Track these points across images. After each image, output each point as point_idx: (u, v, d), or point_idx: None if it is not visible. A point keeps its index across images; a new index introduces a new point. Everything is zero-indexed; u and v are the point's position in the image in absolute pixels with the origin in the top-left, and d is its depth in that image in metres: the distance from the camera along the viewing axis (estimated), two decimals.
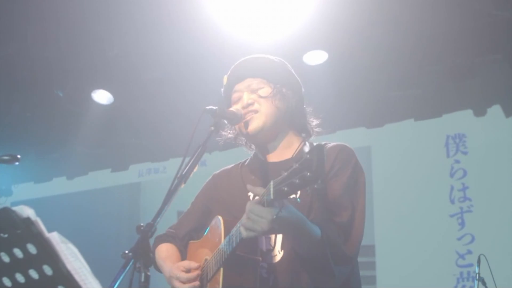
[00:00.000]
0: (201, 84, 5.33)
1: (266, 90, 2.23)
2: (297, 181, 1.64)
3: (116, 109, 6.21)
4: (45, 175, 7.50)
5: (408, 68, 5.37)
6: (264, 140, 2.28)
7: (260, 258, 2.04)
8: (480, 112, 5.44)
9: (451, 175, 5.44)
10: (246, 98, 2.22)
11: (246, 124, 2.21)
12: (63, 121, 6.43)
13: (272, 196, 1.71)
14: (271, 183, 1.71)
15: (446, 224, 5.34)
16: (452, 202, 5.38)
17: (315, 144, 2.14)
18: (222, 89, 2.38)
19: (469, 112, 5.47)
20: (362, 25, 4.87)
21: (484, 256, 3.85)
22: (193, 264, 2.19)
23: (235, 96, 2.28)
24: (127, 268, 1.60)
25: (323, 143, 2.28)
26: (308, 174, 1.62)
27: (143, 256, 1.63)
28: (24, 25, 5.04)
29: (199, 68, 5.32)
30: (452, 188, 5.42)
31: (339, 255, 1.97)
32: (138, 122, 6.44)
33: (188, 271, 2.17)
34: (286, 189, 1.67)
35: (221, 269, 2.02)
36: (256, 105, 2.21)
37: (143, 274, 1.60)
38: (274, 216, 1.74)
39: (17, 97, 6.01)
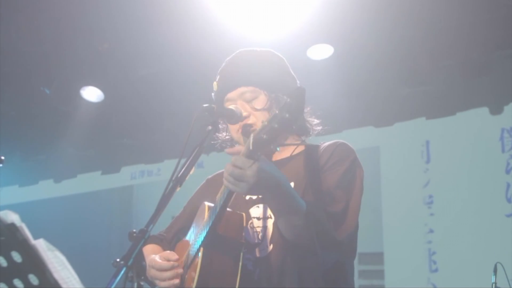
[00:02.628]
0: (198, 80, 5.33)
1: (260, 101, 2.23)
2: (276, 125, 1.68)
3: (107, 107, 6.21)
4: (31, 178, 7.50)
5: (419, 63, 5.36)
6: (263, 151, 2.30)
7: (244, 241, 2.07)
8: (496, 110, 5.44)
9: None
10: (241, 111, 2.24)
11: (245, 138, 2.22)
12: (50, 120, 6.43)
13: (251, 147, 1.74)
14: (251, 135, 1.75)
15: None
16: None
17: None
18: (212, 94, 2.38)
19: (485, 110, 5.47)
20: (370, 17, 4.87)
21: (501, 264, 3.85)
22: (172, 255, 2.19)
23: (227, 104, 2.29)
24: (119, 277, 1.60)
25: (321, 142, 2.31)
26: (287, 115, 1.67)
27: (135, 264, 1.63)
28: (7, 17, 5.04)
29: (195, 63, 5.32)
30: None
31: (327, 237, 1.99)
32: (130, 121, 6.44)
33: (167, 260, 2.17)
34: (265, 136, 1.71)
35: (201, 250, 2.04)
36: (252, 118, 2.22)
37: (135, 284, 1.60)
38: (256, 165, 1.77)
39: (1, 94, 6.02)
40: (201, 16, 4.88)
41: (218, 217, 1.99)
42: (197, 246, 2.09)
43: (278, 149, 1.75)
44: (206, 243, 2.03)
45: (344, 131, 5.64)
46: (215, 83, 2.35)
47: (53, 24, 5.15)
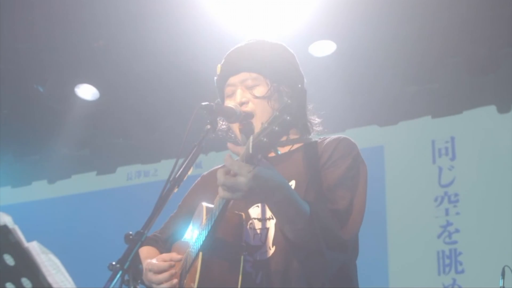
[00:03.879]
0: (196, 78, 5.32)
1: (261, 89, 2.24)
2: (276, 128, 1.66)
3: (102, 106, 6.20)
4: (24, 178, 7.50)
5: (425, 60, 5.36)
6: None
7: (244, 244, 2.06)
8: (504, 108, 5.44)
9: None
10: (240, 96, 2.24)
11: (242, 129, 2.23)
12: (44, 119, 6.43)
13: (250, 150, 1.72)
14: (251, 137, 1.73)
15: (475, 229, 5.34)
16: None
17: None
18: (215, 78, 2.39)
19: (492, 108, 5.47)
20: (374, 13, 4.87)
21: (509, 267, 3.85)
22: (175, 255, 2.20)
23: (228, 89, 2.31)
24: (115, 281, 1.60)
25: (322, 137, 2.32)
26: (288, 118, 1.65)
27: (132, 268, 1.63)
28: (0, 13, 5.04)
29: (194, 61, 5.32)
30: None
31: (333, 238, 1.98)
32: (126, 120, 6.43)
33: (164, 261, 2.17)
34: (265, 139, 1.68)
35: (200, 254, 2.04)
36: (250, 105, 2.23)
37: None
38: (252, 172, 1.75)
39: None
40: (199, 12, 4.88)
41: (217, 221, 1.99)
42: (195, 249, 2.09)
43: (279, 152, 1.73)
44: (205, 247, 2.02)
45: (347, 130, 5.63)
46: (219, 66, 2.36)
47: (47, 19, 5.15)
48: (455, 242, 5.44)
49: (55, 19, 5.14)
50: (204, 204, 2.18)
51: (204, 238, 2.02)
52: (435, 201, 5.56)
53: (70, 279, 1.50)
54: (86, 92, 6.01)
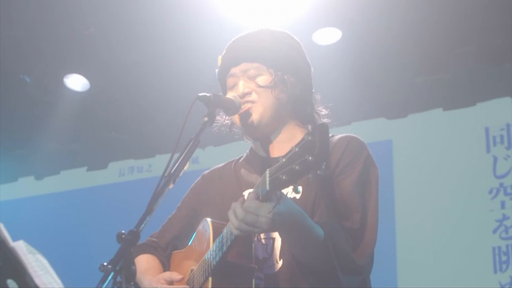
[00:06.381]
0: (193, 68, 5.32)
1: (265, 79, 2.26)
2: (297, 167, 1.65)
3: (93, 97, 6.20)
4: (10, 174, 7.50)
5: (436, 49, 5.36)
6: (261, 135, 2.32)
7: (256, 266, 2.07)
8: None
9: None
10: (242, 86, 2.25)
11: (242, 117, 2.24)
12: (31, 111, 6.42)
13: (268, 187, 1.73)
14: (267, 172, 1.74)
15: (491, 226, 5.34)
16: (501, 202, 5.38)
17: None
18: (216, 70, 2.40)
19: (508, 100, 5.47)
20: None
21: None
22: (175, 275, 2.21)
23: (230, 80, 2.32)
24: (106, 282, 1.61)
25: (330, 135, 2.31)
26: (310, 158, 1.63)
27: (124, 269, 1.63)
28: None
29: (190, 50, 5.32)
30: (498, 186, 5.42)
31: (347, 263, 2.00)
32: (118, 112, 6.43)
33: (170, 283, 2.18)
34: (284, 177, 1.69)
35: (210, 279, 2.04)
36: (254, 95, 2.25)
37: None
38: (272, 212, 1.77)
39: None
40: None
41: (228, 249, 1.99)
42: (204, 272, 2.09)
43: (299, 190, 1.74)
44: (215, 272, 2.04)
45: (353, 123, 5.63)
46: (219, 57, 2.38)
47: (34, 5, 5.14)
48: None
49: (42, 5, 5.13)
50: (210, 220, 2.18)
51: (215, 263, 2.02)
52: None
53: (58, 280, 1.50)
54: (76, 82, 6.00)
